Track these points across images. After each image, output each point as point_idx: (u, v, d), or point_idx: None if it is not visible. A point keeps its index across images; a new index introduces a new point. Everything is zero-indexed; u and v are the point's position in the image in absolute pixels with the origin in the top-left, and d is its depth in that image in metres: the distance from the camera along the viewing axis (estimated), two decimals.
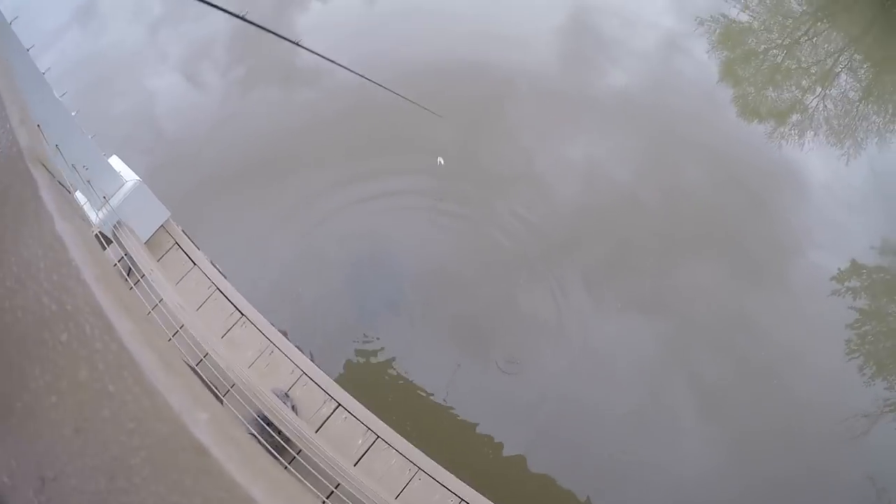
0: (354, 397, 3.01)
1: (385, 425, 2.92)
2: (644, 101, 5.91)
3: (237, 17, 1.40)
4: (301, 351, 3.14)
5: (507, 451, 3.94)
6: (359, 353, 4.18)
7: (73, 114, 3.04)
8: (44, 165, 0.92)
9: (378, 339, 4.25)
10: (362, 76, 3.06)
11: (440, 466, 2.84)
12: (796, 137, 5.90)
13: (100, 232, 3.31)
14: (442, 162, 4.71)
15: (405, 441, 2.88)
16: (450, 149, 5.35)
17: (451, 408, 4.05)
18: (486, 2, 6.85)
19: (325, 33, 6.43)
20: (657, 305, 4.67)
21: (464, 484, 2.82)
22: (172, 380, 0.55)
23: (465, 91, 5.73)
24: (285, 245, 4.72)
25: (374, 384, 4.04)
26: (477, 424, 4.03)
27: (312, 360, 3.14)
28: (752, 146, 5.75)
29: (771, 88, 6.50)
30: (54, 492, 0.54)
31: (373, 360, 4.15)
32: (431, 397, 4.07)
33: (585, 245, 4.89)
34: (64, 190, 0.94)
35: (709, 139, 5.70)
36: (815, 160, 5.74)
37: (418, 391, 4.06)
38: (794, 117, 6.15)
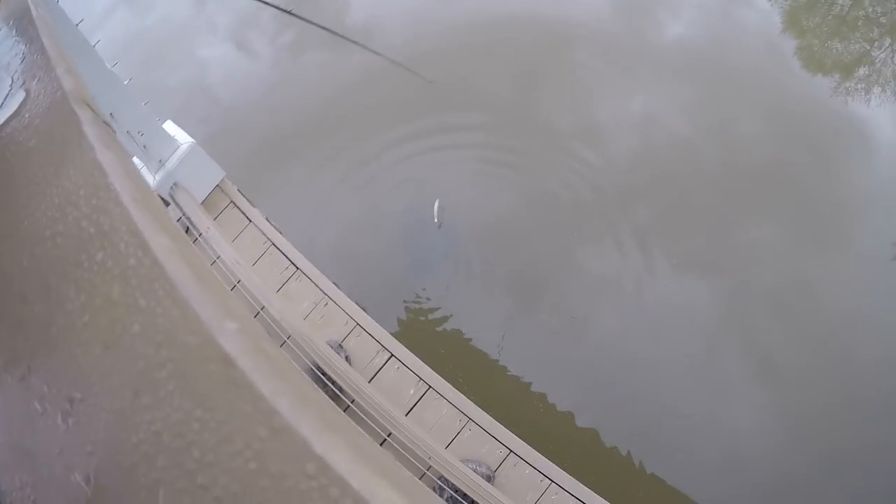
0: (408, 349, 3.04)
1: (437, 376, 2.95)
2: (703, 51, 5.58)
3: None
4: (355, 303, 3.19)
5: (559, 406, 3.94)
6: (412, 306, 4.23)
7: (125, 83, 3.11)
8: (88, 105, 0.92)
9: (432, 293, 4.28)
10: (356, 43, 2.96)
11: (491, 418, 2.86)
12: (863, 92, 5.43)
13: (158, 195, 3.43)
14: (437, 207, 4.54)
15: (456, 392, 2.90)
16: (504, 101, 5.24)
17: (504, 362, 4.06)
18: None
19: None
20: (714, 264, 4.49)
21: (513, 436, 2.83)
22: (203, 291, 0.54)
23: (518, 44, 5.58)
24: (340, 202, 4.78)
25: (427, 337, 4.08)
26: (529, 378, 4.03)
27: (366, 313, 3.18)
28: (817, 100, 5.36)
29: (837, 40, 5.98)
30: (81, 413, 0.54)
31: (426, 313, 4.19)
32: (484, 351, 4.08)
33: (642, 199, 4.70)
34: (107, 127, 0.95)
35: (771, 92, 5.33)
36: (883, 117, 5.26)
37: (471, 345, 4.08)
38: (861, 70, 5.65)
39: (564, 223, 4.58)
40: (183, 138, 3.51)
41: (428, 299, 4.23)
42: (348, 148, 5.03)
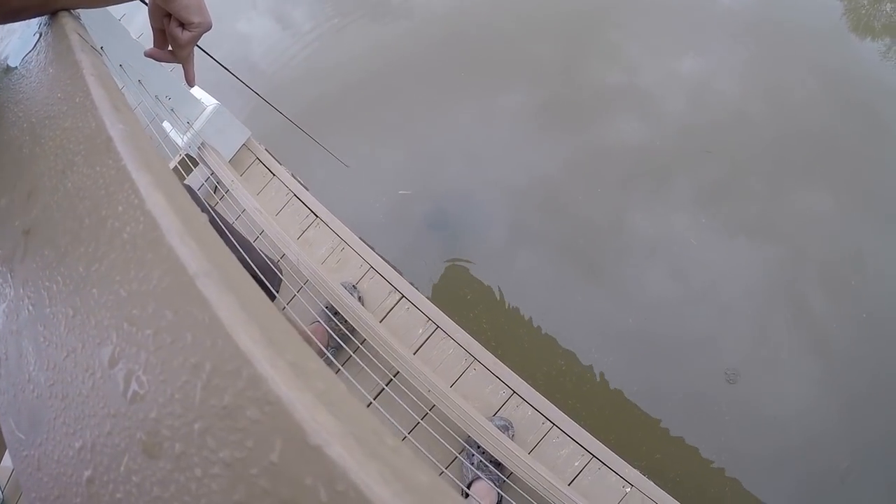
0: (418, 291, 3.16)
1: (445, 317, 3.06)
2: (753, 14, 5.40)
3: None
4: (370, 247, 3.33)
5: (584, 365, 3.99)
6: (445, 262, 4.38)
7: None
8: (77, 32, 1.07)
9: (464, 250, 4.40)
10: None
11: (495, 358, 2.96)
12: None
13: (187, 154, 3.65)
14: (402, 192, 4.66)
15: (464, 332, 3.01)
16: (549, 65, 5.25)
17: (525, 312, 4.14)
18: None
19: None
20: (766, 231, 4.39)
21: (517, 377, 2.92)
22: None
23: (564, 8, 5.61)
24: (383, 163, 4.93)
25: (449, 286, 4.22)
26: (554, 333, 4.09)
27: (383, 259, 3.30)
28: (868, 65, 5.09)
29: (887, 2, 5.67)
30: None
31: (453, 265, 4.34)
32: (507, 304, 4.18)
33: (693, 165, 4.64)
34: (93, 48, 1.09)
35: (825, 57, 5.10)
36: None
37: (495, 297, 4.19)
38: None
39: (612, 189, 4.56)
40: (208, 101, 3.69)
41: (459, 256, 4.36)
42: (389, 112, 5.19)
